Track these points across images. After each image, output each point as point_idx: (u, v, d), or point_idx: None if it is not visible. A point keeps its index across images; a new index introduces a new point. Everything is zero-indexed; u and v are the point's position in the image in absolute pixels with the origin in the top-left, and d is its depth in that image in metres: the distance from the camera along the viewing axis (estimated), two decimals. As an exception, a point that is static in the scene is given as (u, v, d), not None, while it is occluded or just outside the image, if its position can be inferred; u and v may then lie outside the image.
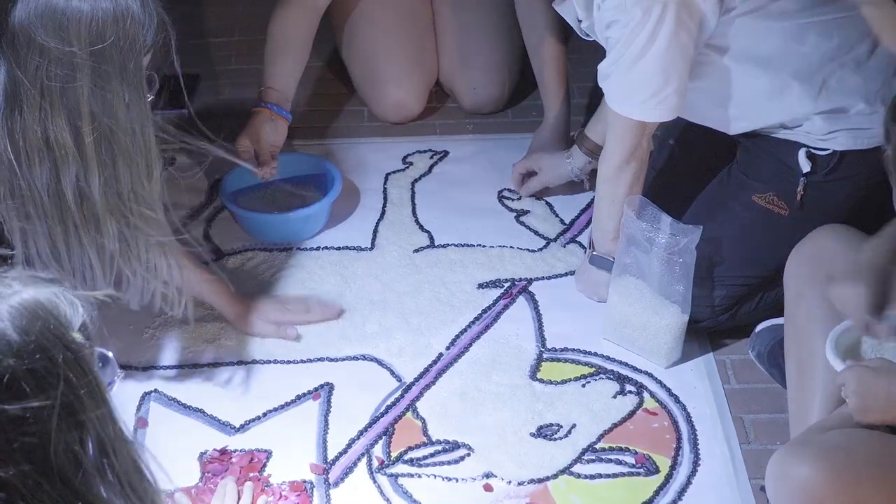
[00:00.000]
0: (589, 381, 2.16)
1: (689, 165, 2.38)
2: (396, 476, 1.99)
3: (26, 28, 1.76)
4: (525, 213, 2.60)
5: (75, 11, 1.76)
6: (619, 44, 2.03)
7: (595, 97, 2.39)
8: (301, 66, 2.60)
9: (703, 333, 2.22)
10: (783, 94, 2.08)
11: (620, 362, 2.19)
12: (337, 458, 2.03)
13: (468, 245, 2.51)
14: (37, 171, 1.83)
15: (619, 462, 2.01)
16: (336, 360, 2.23)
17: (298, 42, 2.59)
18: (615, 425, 2.08)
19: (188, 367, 2.22)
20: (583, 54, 2.44)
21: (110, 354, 2.16)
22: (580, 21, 2.17)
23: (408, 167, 2.76)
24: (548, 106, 2.68)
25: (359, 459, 2.02)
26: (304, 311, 2.30)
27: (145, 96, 1.85)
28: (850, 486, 1.63)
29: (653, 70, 2.02)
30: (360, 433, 2.07)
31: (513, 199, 2.64)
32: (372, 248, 2.51)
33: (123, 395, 2.12)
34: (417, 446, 2.05)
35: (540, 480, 1.98)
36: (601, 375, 2.17)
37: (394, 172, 2.74)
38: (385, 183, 2.71)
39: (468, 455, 2.03)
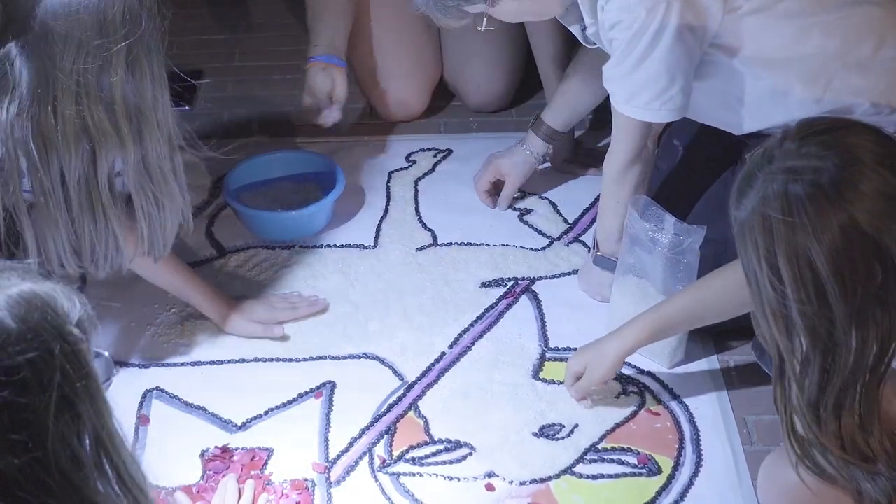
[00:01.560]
0: (591, 381, 2.15)
1: (693, 166, 2.37)
2: (398, 475, 1.99)
3: (61, 23, 1.76)
4: (528, 211, 2.59)
5: (108, 2, 1.77)
6: (623, 44, 2.03)
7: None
8: (345, 20, 2.64)
9: (707, 334, 2.21)
10: (788, 95, 2.08)
11: (623, 362, 2.18)
12: (339, 456, 2.02)
13: (471, 244, 2.50)
14: (72, 157, 1.84)
15: (622, 462, 2.01)
16: (338, 358, 2.23)
17: (338, 2, 2.64)
18: (618, 425, 2.07)
19: (190, 365, 2.21)
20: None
21: (106, 353, 2.17)
22: (584, 29, 2.17)
23: (411, 165, 2.75)
24: (552, 103, 2.67)
25: (360, 458, 2.02)
26: (290, 308, 2.30)
27: (163, 70, 1.87)
28: (837, 491, 1.62)
29: (658, 70, 2.01)
30: (362, 432, 2.07)
31: (516, 198, 2.63)
32: (375, 246, 2.51)
33: (125, 392, 2.13)
34: (419, 445, 2.04)
35: (542, 480, 1.97)
36: (604, 375, 2.16)
37: (397, 170, 2.74)
38: (388, 181, 2.70)
39: (470, 454, 2.02)
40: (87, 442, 1.13)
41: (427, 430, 2.07)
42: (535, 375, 2.18)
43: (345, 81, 2.59)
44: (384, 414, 2.10)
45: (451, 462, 2.01)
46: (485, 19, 2.14)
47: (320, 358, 2.23)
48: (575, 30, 2.23)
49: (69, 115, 1.81)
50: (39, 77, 1.80)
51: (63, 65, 1.78)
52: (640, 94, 2.05)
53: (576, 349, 2.19)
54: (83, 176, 1.87)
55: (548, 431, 2.06)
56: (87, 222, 1.91)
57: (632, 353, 2.06)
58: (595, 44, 2.18)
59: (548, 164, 2.64)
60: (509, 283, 2.40)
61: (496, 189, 2.60)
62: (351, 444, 2.04)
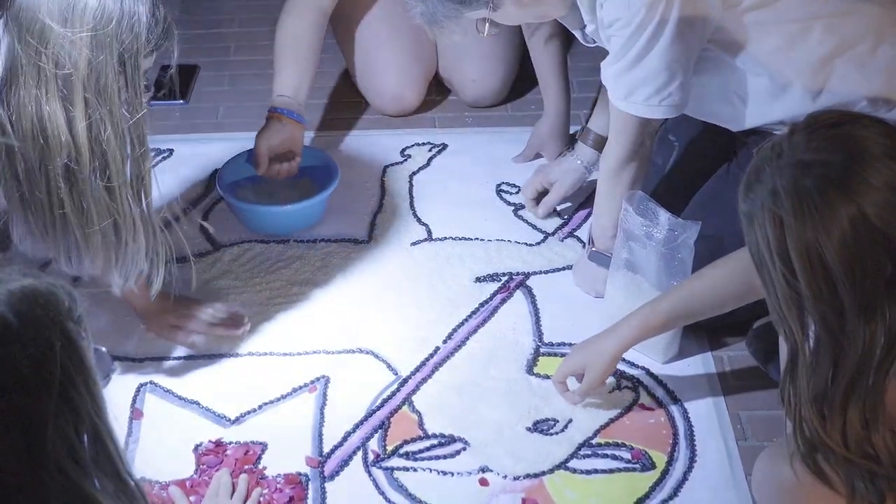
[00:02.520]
0: (586, 377, 2.15)
1: (688, 161, 2.37)
2: (392, 469, 1.99)
3: (33, 6, 1.75)
4: (523, 206, 2.59)
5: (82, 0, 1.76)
6: (623, 40, 2.02)
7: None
8: (311, 69, 2.57)
9: (701, 330, 2.21)
10: (786, 92, 2.08)
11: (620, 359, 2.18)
12: (332, 451, 2.02)
13: (466, 238, 2.50)
14: (30, 146, 1.82)
15: (616, 457, 2.01)
16: (332, 352, 2.22)
17: (305, 46, 2.57)
18: (611, 421, 2.07)
19: (184, 359, 2.21)
20: (583, 49, 2.45)
21: (104, 349, 2.16)
22: (584, 28, 2.17)
23: (406, 160, 2.75)
24: (547, 100, 2.67)
25: (354, 453, 2.02)
26: (207, 325, 2.22)
27: (141, 95, 1.84)
28: (831, 489, 1.62)
29: (657, 66, 2.01)
30: (356, 426, 2.06)
31: (511, 193, 2.63)
32: (369, 240, 2.51)
33: (119, 386, 2.12)
34: (413, 440, 2.04)
35: (536, 475, 1.97)
36: (598, 371, 2.16)
37: (392, 165, 2.73)
38: (383, 175, 2.70)
39: (464, 449, 2.02)
40: (86, 438, 1.13)
41: (421, 425, 2.07)
42: (530, 370, 2.18)
43: (303, 138, 2.53)
44: (378, 408, 2.10)
45: (444, 457, 2.01)
46: (487, 24, 2.13)
47: (314, 352, 2.23)
48: (575, 31, 2.23)
49: (25, 99, 1.79)
50: (11, 57, 1.79)
51: (28, 49, 1.76)
52: (638, 91, 2.05)
53: (571, 344, 2.19)
54: (42, 165, 1.84)
55: (542, 426, 2.06)
56: (48, 211, 1.88)
57: (628, 349, 2.06)
58: (595, 42, 2.18)
59: (541, 161, 2.64)
60: (504, 278, 2.39)
61: (542, 197, 2.56)
62: (345, 439, 2.04)
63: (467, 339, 2.25)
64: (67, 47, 1.76)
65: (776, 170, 1.49)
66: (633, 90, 2.06)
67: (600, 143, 2.43)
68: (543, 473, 1.98)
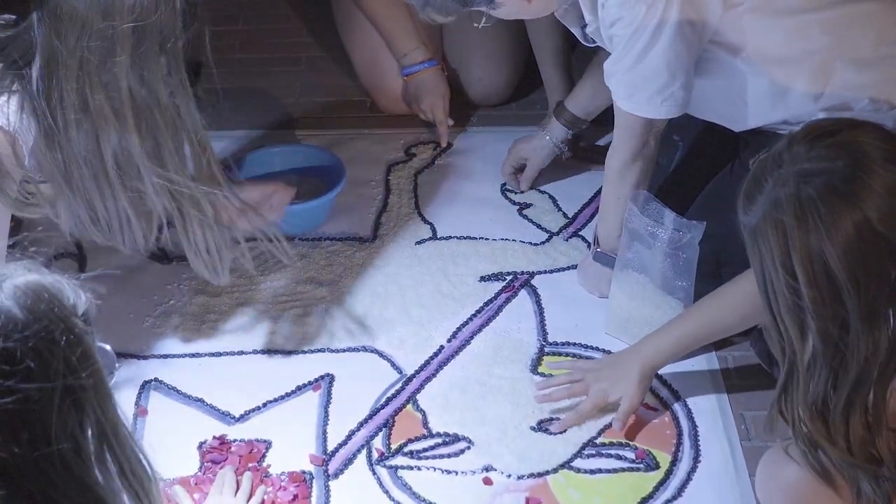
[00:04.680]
0: (590, 376, 2.15)
1: (692, 161, 2.37)
2: (396, 468, 1.99)
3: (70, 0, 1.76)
4: (528, 206, 2.59)
5: None
6: (624, 40, 2.03)
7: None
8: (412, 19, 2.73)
9: (705, 329, 2.21)
10: (787, 92, 2.08)
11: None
12: (336, 449, 2.02)
13: (470, 237, 2.50)
14: (73, 134, 1.83)
15: (620, 457, 2.01)
16: (337, 351, 2.23)
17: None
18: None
19: (189, 357, 2.21)
20: (587, 47, 2.45)
21: (108, 347, 2.16)
22: (584, 27, 2.17)
23: (411, 158, 2.75)
24: (552, 99, 2.67)
25: (358, 451, 2.02)
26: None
27: (184, 77, 1.86)
28: (836, 489, 1.62)
29: (658, 65, 2.01)
30: (360, 425, 2.07)
31: (516, 192, 2.63)
32: (374, 239, 2.51)
33: (124, 383, 2.13)
34: (417, 439, 2.04)
35: (540, 475, 1.97)
36: (602, 370, 2.16)
37: (396, 164, 2.73)
38: (388, 174, 2.70)
39: (468, 448, 2.02)
40: (90, 433, 1.13)
41: (425, 424, 2.07)
42: (534, 370, 2.18)
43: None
44: (382, 407, 2.10)
45: (448, 456, 2.01)
46: (483, 17, 2.14)
47: (319, 350, 2.23)
48: (575, 30, 2.23)
49: (69, 93, 1.80)
50: (48, 51, 1.79)
51: (67, 42, 1.77)
52: (640, 91, 2.05)
53: (575, 344, 2.20)
54: (86, 155, 1.86)
55: (546, 426, 2.06)
56: (96, 200, 1.91)
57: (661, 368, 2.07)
58: (595, 42, 2.18)
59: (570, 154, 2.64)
60: (508, 277, 2.39)
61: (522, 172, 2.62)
62: (349, 437, 2.04)
63: (472, 338, 2.25)
64: (110, 39, 1.77)
65: (778, 180, 1.50)
66: (635, 90, 2.06)
67: (573, 123, 2.52)
68: (547, 473, 1.98)
